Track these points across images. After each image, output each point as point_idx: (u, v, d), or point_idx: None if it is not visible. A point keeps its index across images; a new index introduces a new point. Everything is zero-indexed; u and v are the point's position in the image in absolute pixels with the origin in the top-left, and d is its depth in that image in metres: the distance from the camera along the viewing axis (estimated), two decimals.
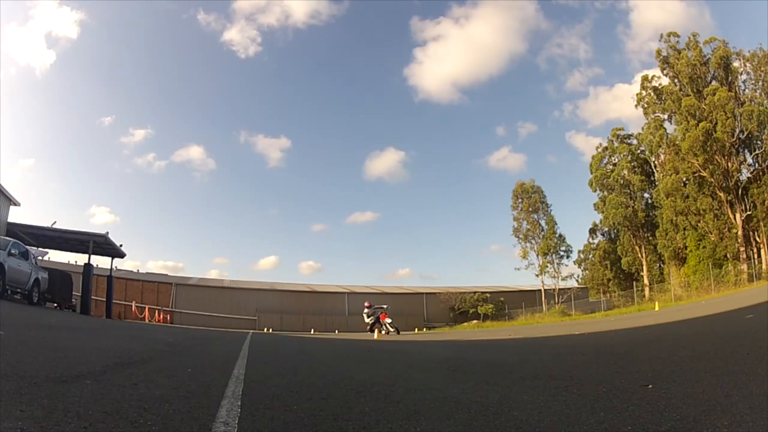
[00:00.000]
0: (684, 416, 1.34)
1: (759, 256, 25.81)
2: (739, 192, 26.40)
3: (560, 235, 36.29)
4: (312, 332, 23.05)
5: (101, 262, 21.79)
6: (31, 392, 1.72)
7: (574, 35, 58.91)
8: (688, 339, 3.95)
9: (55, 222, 20.03)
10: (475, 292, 36.32)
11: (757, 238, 26.24)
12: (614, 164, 34.10)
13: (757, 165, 26.62)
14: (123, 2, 59.19)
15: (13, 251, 11.42)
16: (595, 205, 34.94)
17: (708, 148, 25.68)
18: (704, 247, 26.54)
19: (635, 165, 32.69)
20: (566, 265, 37.99)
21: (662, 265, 31.73)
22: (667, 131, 28.95)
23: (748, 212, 26.08)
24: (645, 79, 29.99)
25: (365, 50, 66.45)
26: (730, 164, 26.41)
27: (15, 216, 17.48)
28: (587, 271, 37.73)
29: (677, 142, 27.28)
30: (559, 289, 35.58)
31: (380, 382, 2.54)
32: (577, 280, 38.05)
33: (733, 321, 5.35)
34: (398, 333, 14.67)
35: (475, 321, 31.65)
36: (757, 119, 25.04)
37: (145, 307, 25.90)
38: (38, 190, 59.08)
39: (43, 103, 59.84)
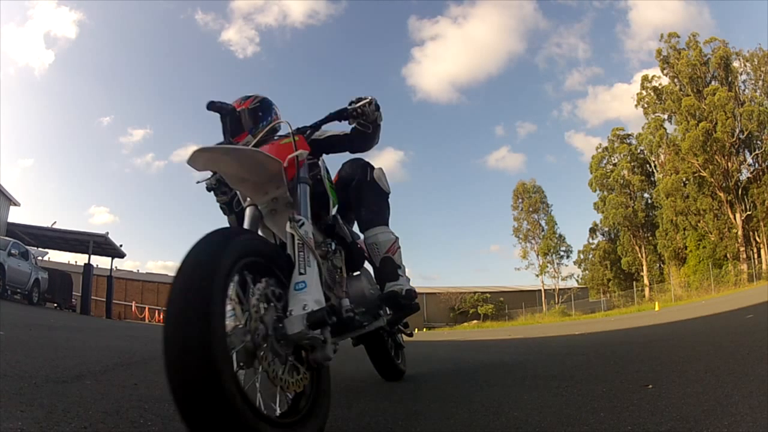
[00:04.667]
0: (684, 416, 1.34)
1: (759, 256, 25.82)
2: (739, 192, 26.41)
3: (560, 235, 36.40)
4: None
5: (101, 262, 21.80)
6: (31, 392, 1.72)
7: (572, 35, 58.84)
8: (688, 339, 3.96)
9: (55, 222, 20.03)
10: (475, 292, 36.37)
11: (757, 238, 26.24)
12: (614, 164, 34.12)
13: (757, 165, 26.64)
14: (121, 2, 59.27)
15: (13, 251, 11.43)
16: (595, 205, 34.99)
17: (708, 148, 25.70)
18: (704, 247, 26.55)
19: (635, 165, 32.70)
20: (566, 265, 38.06)
21: (662, 265, 31.75)
22: (667, 131, 28.96)
23: (748, 212, 26.09)
24: (645, 78, 30.03)
25: (363, 50, 66.35)
26: (730, 164, 26.43)
27: (15, 216, 17.52)
28: (587, 271, 37.75)
29: (677, 142, 27.29)
30: (559, 289, 35.62)
31: (380, 382, 2.54)
32: (577, 280, 38.11)
33: (733, 321, 5.35)
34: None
35: (475, 321, 31.69)
36: (757, 119, 25.05)
37: (145, 308, 25.89)
38: (38, 190, 59.10)
39: (42, 103, 59.88)
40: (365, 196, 2.06)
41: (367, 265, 2.20)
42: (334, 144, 2.15)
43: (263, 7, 67.90)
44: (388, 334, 2.53)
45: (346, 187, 2.10)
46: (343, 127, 2.10)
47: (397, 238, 2.06)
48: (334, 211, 1.91)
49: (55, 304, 14.38)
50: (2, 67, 52.71)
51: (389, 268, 2.00)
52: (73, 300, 16.18)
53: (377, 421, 1.63)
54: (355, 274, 2.12)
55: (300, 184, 1.59)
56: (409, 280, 2.05)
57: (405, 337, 2.81)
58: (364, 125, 2.02)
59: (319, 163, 1.94)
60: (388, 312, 2.17)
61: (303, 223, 1.42)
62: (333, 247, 1.86)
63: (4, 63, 52.40)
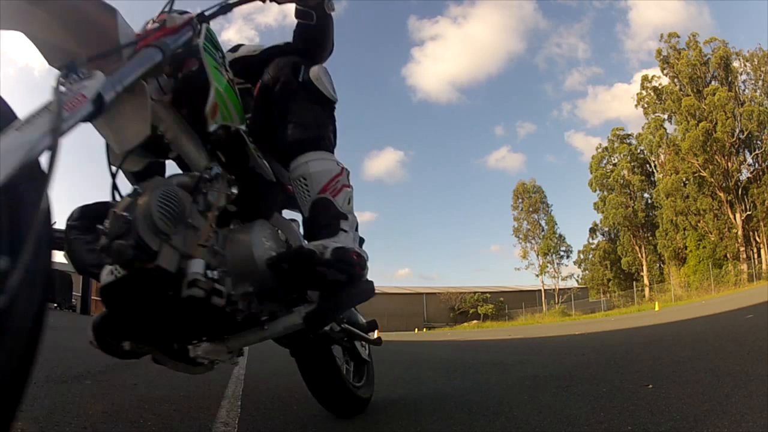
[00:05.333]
0: (684, 416, 1.34)
1: (759, 256, 25.83)
2: (739, 192, 26.42)
3: (560, 235, 36.45)
4: None
5: None
6: (31, 392, 1.72)
7: (572, 35, 59.01)
8: (688, 339, 3.95)
9: (55, 222, 20.03)
10: (475, 292, 36.39)
11: (757, 238, 26.25)
12: (614, 164, 34.13)
13: (757, 165, 26.65)
14: (120, 2, 59.30)
15: None
16: (595, 205, 34.99)
17: (708, 148, 25.71)
18: (704, 247, 26.56)
19: (635, 165, 32.70)
20: (566, 265, 38.10)
21: (662, 265, 31.75)
22: (667, 131, 28.98)
23: (748, 212, 26.10)
24: (645, 78, 30.05)
25: (363, 50, 66.56)
26: (730, 164, 26.44)
27: None
28: (587, 271, 37.75)
29: (677, 142, 27.30)
30: (559, 289, 35.64)
31: (379, 382, 2.54)
32: (577, 280, 38.14)
33: (733, 321, 5.35)
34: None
35: (475, 321, 31.71)
36: (757, 119, 25.06)
37: None
38: None
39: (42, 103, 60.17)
40: (294, 105, 1.27)
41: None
42: (274, 58, 1.40)
43: (263, 7, 67.48)
44: (333, 341, 1.58)
45: (268, 97, 1.32)
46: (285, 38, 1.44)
47: (343, 169, 1.28)
48: (238, 124, 1.18)
49: (55, 304, 14.38)
50: (2, 67, 52.78)
51: (324, 217, 1.20)
52: (73, 300, 16.17)
53: (377, 420, 1.63)
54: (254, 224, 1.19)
55: (147, 47, 0.95)
56: (360, 240, 1.28)
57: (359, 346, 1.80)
58: (303, 12, 1.34)
59: (201, 31, 1.13)
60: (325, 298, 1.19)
61: (89, 78, 0.76)
62: (213, 173, 1.10)
63: (4, 63, 52.48)
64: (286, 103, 1.28)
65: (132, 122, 0.92)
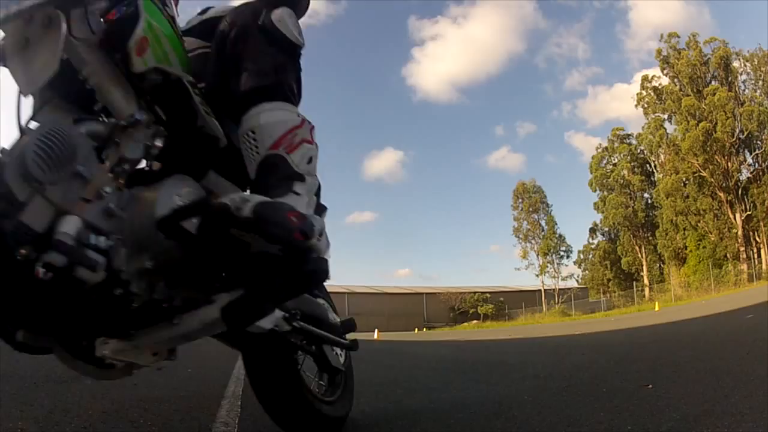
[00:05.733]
0: (684, 416, 1.35)
1: (759, 256, 25.85)
2: (739, 192, 26.44)
3: (560, 235, 36.45)
4: None
5: None
6: (31, 392, 1.72)
7: (572, 34, 59.09)
8: (688, 339, 3.96)
9: None
10: (475, 292, 36.37)
11: (757, 238, 26.27)
12: (614, 164, 34.13)
13: (757, 165, 26.67)
14: None
15: None
16: (595, 205, 34.99)
17: (708, 148, 25.73)
18: (704, 247, 26.58)
19: (635, 165, 32.71)
20: (566, 265, 38.11)
21: (662, 265, 31.76)
22: (667, 131, 29.00)
23: (748, 212, 26.12)
24: (645, 79, 30.06)
25: (363, 50, 66.65)
26: (730, 164, 26.46)
27: None
28: (587, 271, 37.75)
29: (677, 142, 27.32)
30: (559, 289, 35.65)
31: (380, 382, 2.54)
32: (577, 280, 38.14)
33: (733, 321, 5.35)
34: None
35: (475, 321, 31.71)
36: (757, 119, 25.08)
37: None
38: None
39: None
40: (249, 50, 1.07)
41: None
42: None
43: None
44: (293, 346, 1.26)
45: (224, 47, 1.10)
46: None
47: (305, 121, 1.05)
48: (173, 64, 0.97)
49: None
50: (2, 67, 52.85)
51: (273, 178, 0.97)
52: None
53: (377, 421, 1.63)
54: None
55: None
56: (321, 208, 1.13)
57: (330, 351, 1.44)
58: None
59: None
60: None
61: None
62: (132, 120, 0.87)
63: None
64: (241, 49, 1.07)
65: (41, 56, 0.77)
